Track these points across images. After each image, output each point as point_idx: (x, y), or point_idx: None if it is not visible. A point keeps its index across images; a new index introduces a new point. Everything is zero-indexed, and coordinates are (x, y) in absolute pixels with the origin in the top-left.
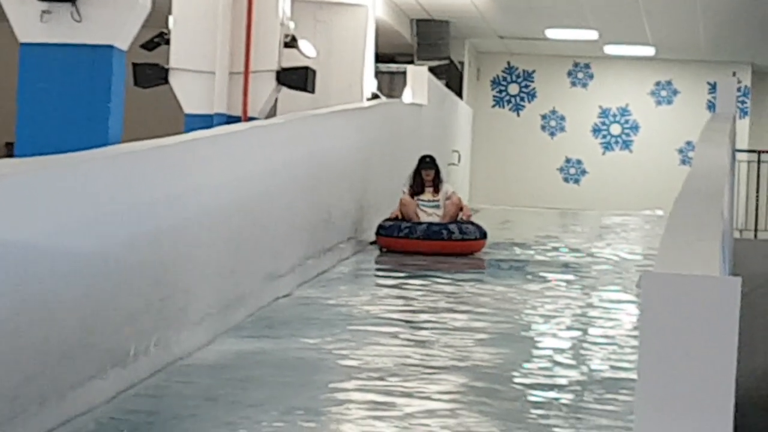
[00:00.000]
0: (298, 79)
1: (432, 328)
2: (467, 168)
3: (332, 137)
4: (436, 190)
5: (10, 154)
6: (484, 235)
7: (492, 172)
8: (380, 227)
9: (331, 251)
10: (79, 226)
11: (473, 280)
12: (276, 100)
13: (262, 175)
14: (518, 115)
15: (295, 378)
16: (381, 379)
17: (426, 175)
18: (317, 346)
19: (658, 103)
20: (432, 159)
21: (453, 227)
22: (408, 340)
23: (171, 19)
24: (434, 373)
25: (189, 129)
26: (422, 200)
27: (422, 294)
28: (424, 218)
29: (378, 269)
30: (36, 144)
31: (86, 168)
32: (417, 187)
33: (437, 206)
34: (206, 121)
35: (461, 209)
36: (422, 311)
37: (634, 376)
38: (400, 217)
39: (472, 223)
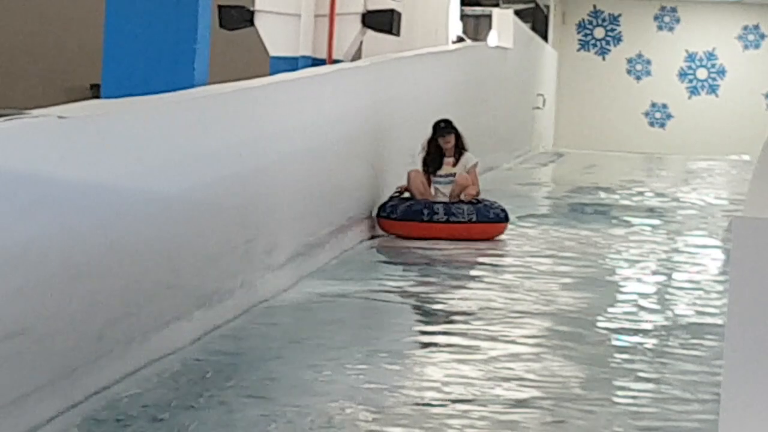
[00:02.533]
0: (384, 21)
1: (516, 272)
2: (552, 112)
3: (417, 80)
4: (459, 161)
5: (95, 96)
6: (497, 217)
7: (577, 117)
8: (380, 207)
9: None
10: (165, 168)
11: (558, 224)
12: (361, 43)
13: (347, 118)
14: (603, 59)
15: (379, 321)
16: (465, 322)
17: (445, 142)
18: (401, 289)
19: (746, 47)
20: (449, 122)
21: (457, 208)
22: (492, 283)
23: None
24: (518, 317)
25: (274, 72)
26: (440, 175)
27: (506, 237)
28: (440, 198)
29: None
30: (121, 86)
31: (172, 110)
32: (433, 161)
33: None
34: (291, 64)
35: (465, 187)
36: (507, 255)
37: (719, 321)
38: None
39: (477, 201)
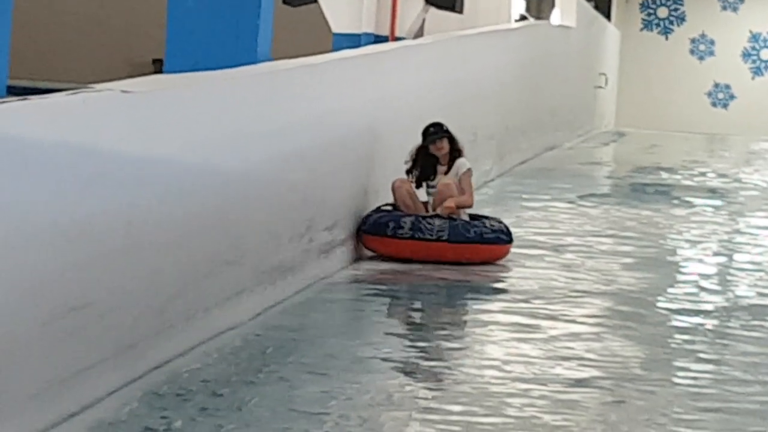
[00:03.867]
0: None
1: (577, 252)
2: (614, 91)
3: (479, 58)
4: (452, 169)
5: (158, 71)
6: (481, 237)
7: (639, 96)
8: (363, 221)
9: (476, 172)
10: (226, 143)
11: (619, 203)
12: (423, 21)
13: (409, 95)
14: (666, 38)
15: (440, 298)
16: (526, 301)
17: (437, 148)
18: (462, 267)
19: None
20: (440, 126)
21: (427, 223)
22: (553, 262)
23: None
24: (579, 297)
25: (337, 48)
26: (432, 186)
27: (567, 217)
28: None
29: (523, 192)
30: (184, 61)
31: (234, 86)
32: (424, 171)
33: None
34: (354, 41)
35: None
36: (567, 234)
37: None
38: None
39: (454, 218)
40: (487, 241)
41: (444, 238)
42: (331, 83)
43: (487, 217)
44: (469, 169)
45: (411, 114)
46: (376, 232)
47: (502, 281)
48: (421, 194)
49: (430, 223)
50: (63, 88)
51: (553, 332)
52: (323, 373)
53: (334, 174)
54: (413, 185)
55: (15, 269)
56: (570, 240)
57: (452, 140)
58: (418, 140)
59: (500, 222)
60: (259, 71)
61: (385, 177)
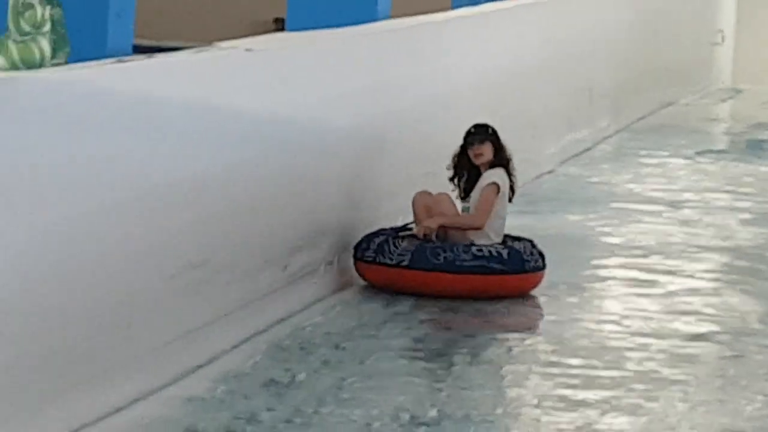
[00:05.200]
0: None
1: (694, 207)
2: (731, 48)
3: (597, 12)
4: None
5: (279, 29)
6: (446, 263)
7: (757, 52)
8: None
9: (592, 129)
10: (347, 99)
11: (736, 159)
12: None
13: (529, 50)
14: None
15: (558, 254)
16: (644, 256)
17: (474, 154)
18: (580, 222)
19: None
20: (483, 128)
21: (391, 245)
22: (670, 218)
23: None
24: (697, 252)
25: (456, 7)
26: (468, 201)
27: (685, 173)
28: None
29: (641, 148)
30: (305, 19)
31: (354, 43)
32: (467, 181)
33: None
34: (472, 0)
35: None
36: (685, 190)
37: None
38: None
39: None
40: (468, 270)
41: (405, 263)
42: (450, 40)
43: (519, 239)
44: (493, 183)
45: (533, 67)
46: (354, 252)
47: (620, 236)
48: None
49: (396, 245)
50: (188, 47)
51: (671, 287)
52: (447, 327)
53: (449, 130)
54: (457, 197)
55: (142, 226)
56: (687, 196)
57: (497, 146)
58: (536, 96)
59: (525, 247)
60: (379, 29)
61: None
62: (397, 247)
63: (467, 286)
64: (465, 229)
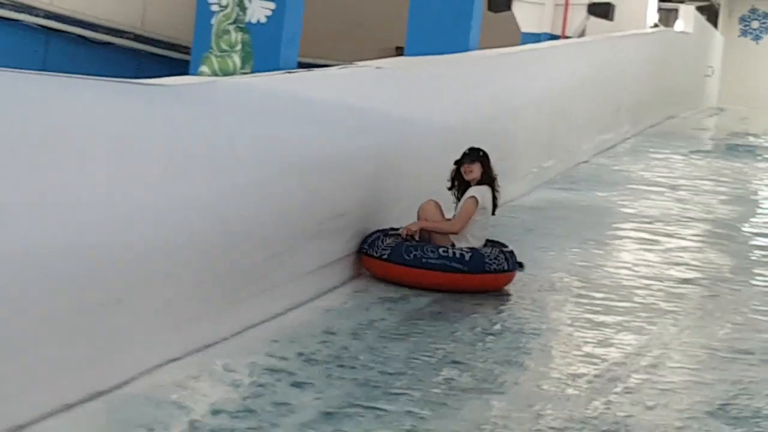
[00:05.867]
0: (602, 11)
1: (687, 190)
2: (718, 79)
3: (624, 53)
4: None
5: (400, 54)
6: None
7: (736, 83)
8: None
9: (616, 133)
10: (449, 106)
11: (718, 157)
12: (585, 25)
13: (572, 76)
14: (757, 43)
15: (589, 219)
16: (650, 223)
17: (465, 170)
18: (605, 197)
19: None
20: (476, 151)
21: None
22: (670, 197)
23: None
24: (688, 221)
25: (523, 43)
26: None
27: (682, 165)
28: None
29: (650, 147)
30: (419, 47)
31: (454, 66)
32: (459, 191)
33: None
34: (536, 38)
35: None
36: (681, 177)
37: None
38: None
39: (412, 239)
40: (431, 267)
41: (384, 257)
42: (520, 67)
43: (498, 244)
44: (472, 197)
45: (574, 88)
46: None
47: (634, 208)
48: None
49: (383, 241)
50: (335, 64)
51: (669, 245)
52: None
53: (520, 131)
54: (453, 202)
55: (298, 187)
56: (682, 181)
57: (486, 166)
58: (579, 108)
59: (492, 252)
60: (471, 57)
61: (558, 134)
62: (383, 243)
63: (432, 281)
64: (444, 233)
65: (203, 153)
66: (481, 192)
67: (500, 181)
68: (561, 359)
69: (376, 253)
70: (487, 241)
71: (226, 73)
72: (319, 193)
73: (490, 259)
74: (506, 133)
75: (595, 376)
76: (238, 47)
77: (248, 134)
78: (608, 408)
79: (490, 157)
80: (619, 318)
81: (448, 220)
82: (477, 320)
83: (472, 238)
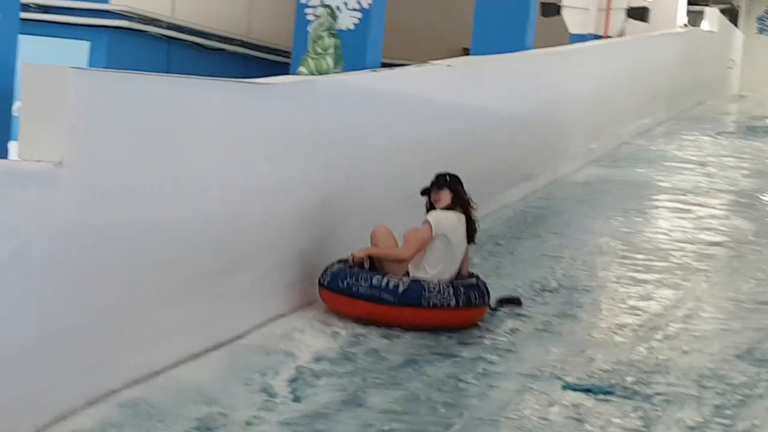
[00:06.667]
0: (639, 13)
1: (714, 165)
2: (738, 70)
3: (659, 49)
4: None
5: (466, 54)
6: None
7: (754, 73)
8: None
9: (652, 118)
10: (512, 97)
11: (740, 138)
12: (625, 26)
13: (613, 70)
14: None
15: (630, 191)
16: (683, 194)
17: (434, 198)
18: (644, 173)
19: None
20: (444, 177)
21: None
22: (699, 172)
23: None
24: (716, 192)
25: (571, 42)
26: None
27: (709, 145)
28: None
29: (682, 130)
30: (483, 48)
31: (514, 63)
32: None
33: None
34: (582, 38)
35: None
36: (709, 155)
37: None
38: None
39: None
40: (360, 297)
41: (324, 283)
42: (569, 63)
43: (467, 278)
44: (425, 222)
45: (617, 81)
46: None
47: (668, 182)
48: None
49: (329, 268)
50: (411, 63)
51: (699, 213)
52: (561, 233)
53: (571, 117)
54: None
55: (384, 168)
56: (710, 159)
57: (455, 191)
58: (621, 97)
59: (439, 285)
60: (528, 55)
61: (603, 120)
62: (329, 270)
63: (361, 311)
64: (392, 261)
65: (303, 140)
66: (439, 217)
67: (554, 161)
68: (609, 311)
69: (322, 279)
70: (471, 274)
71: (321, 73)
72: (403, 173)
73: (430, 292)
74: (559, 119)
75: (639, 325)
76: (331, 50)
77: (340, 124)
78: (650, 353)
79: (462, 179)
80: (658, 276)
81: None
82: (536, 277)
83: (429, 268)
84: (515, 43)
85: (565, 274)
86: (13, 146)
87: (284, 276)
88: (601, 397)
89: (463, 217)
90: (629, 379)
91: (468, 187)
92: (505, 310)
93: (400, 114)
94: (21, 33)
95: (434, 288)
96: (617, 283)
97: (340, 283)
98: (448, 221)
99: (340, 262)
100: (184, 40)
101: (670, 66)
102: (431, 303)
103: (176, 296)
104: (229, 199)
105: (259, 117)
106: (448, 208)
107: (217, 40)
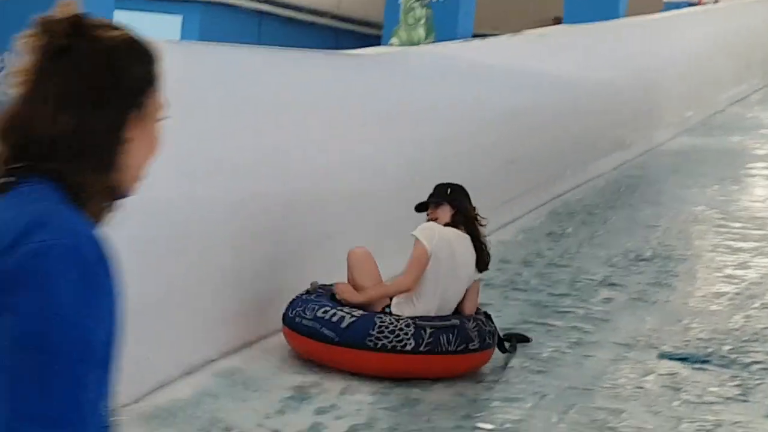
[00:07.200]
0: None
1: None
2: None
3: (754, 15)
4: None
5: (558, 23)
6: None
7: None
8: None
9: (748, 85)
10: (601, 67)
11: None
12: None
13: (708, 37)
14: None
15: (726, 160)
16: None
17: (431, 216)
18: (739, 142)
19: None
20: (444, 190)
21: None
22: None
23: None
24: None
25: (665, 10)
26: None
27: None
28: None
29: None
30: (575, 17)
31: (604, 31)
32: None
33: None
34: (677, 6)
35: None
36: None
37: None
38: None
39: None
40: (300, 331)
41: (284, 312)
42: (663, 31)
43: (449, 319)
44: (415, 240)
45: (711, 50)
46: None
47: (764, 150)
48: None
49: (299, 296)
50: (504, 33)
51: None
52: (656, 202)
53: (663, 85)
54: None
55: (478, 135)
56: None
57: (456, 206)
58: (717, 64)
59: (399, 323)
60: (621, 23)
61: (698, 88)
62: (297, 298)
63: (302, 347)
64: (395, 295)
65: (397, 109)
66: (429, 232)
67: (648, 130)
68: (705, 280)
69: (288, 308)
70: (479, 312)
71: (412, 43)
72: (498, 139)
73: (380, 331)
74: (652, 88)
75: (736, 294)
76: (422, 21)
77: (433, 92)
78: (748, 321)
79: (468, 190)
80: (755, 244)
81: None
82: (630, 246)
83: (417, 300)
84: (608, 12)
85: (660, 243)
86: None
87: (378, 242)
88: (698, 366)
89: (467, 239)
90: (726, 347)
91: (559, 154)
92: (511, 349)
93: (491, 83)
94: (116, 8)
95: (388, 325)
96: (713, 251)
97: (289, 313)
98: (442, 238)
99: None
100: (275, 14)
101: (765, 32)
102: (378, 344)
103: (278, 267)
104: (323, 170)
105: (356, 87)
106: (451, 224)
107: (308, 13)
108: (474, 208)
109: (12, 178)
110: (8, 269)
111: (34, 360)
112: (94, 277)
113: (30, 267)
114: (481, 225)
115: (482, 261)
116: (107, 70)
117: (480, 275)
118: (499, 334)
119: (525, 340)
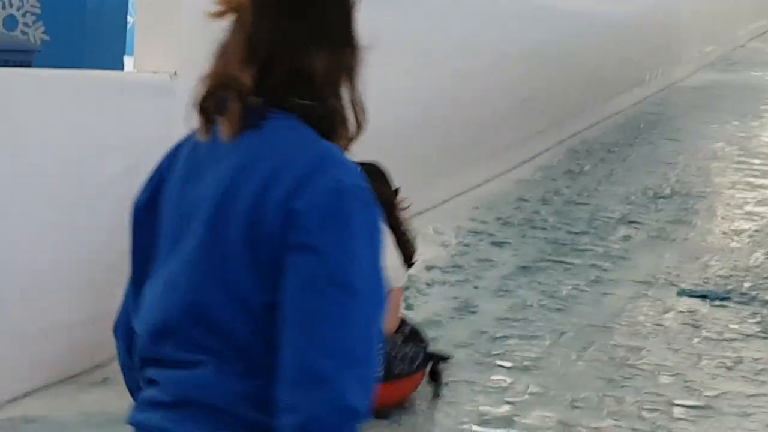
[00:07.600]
0: None
1: None
2: None
3: None
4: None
5: None
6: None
7: None
8: None
9: None
10: (614, 1)
11: None
12: None
13: None
14: None
15: (747, 96)
16: None
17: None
18: (760, 77)
19: None
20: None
21: None
22: None
23: None
24: None
25: None
26: None
27: None
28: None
29: None
30: None
31: None
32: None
33: None
34: None
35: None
36: None
37: None
38: None
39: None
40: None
41: None
42: None
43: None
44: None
45: None
46: None
47: None
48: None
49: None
50: None
51: None
52: (674, 138)
53: (686, 17)
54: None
55: (492, 74)
56: None
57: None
58: (736, 2)
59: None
60: None
61: (720, 24)
62: None
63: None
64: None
65: (410, 47)
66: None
67: (667, 66)
68: (724, 217)
69: None
70: (405, 325)
71: None
72: (514, 78)
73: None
74: (670, 22)
75: (756, 231)
76: None
77: (448, 34)
78: None
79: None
80: None
81: None
82: (649, 184)
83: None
84: None
85: (679, 180)
86: (128, 61)
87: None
88: (718, 303)
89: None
90: (746, 284)
91: (576, 91)
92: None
93: (507, 22)
94: None
95: None
96: (733, 188)
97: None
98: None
99: None
100: None
101: None
102: None
103: None
104: None
105: (366, 25)
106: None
107: None
108: (395, 190)
109: (261, 112)
110: (301, 208)
111: (336, 300)
112: (377, 217)
113: (330, 206)
114: (399, 208)
115: (406, 255)
116: (351, 9)
117: (404, 278)
118: (431, 355)
119: (444, 359)
